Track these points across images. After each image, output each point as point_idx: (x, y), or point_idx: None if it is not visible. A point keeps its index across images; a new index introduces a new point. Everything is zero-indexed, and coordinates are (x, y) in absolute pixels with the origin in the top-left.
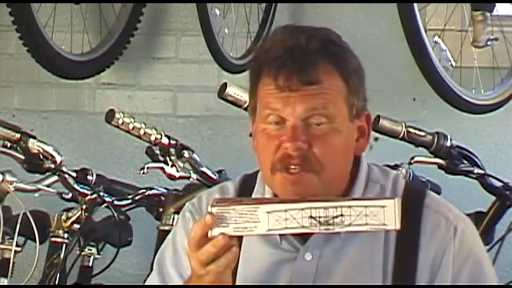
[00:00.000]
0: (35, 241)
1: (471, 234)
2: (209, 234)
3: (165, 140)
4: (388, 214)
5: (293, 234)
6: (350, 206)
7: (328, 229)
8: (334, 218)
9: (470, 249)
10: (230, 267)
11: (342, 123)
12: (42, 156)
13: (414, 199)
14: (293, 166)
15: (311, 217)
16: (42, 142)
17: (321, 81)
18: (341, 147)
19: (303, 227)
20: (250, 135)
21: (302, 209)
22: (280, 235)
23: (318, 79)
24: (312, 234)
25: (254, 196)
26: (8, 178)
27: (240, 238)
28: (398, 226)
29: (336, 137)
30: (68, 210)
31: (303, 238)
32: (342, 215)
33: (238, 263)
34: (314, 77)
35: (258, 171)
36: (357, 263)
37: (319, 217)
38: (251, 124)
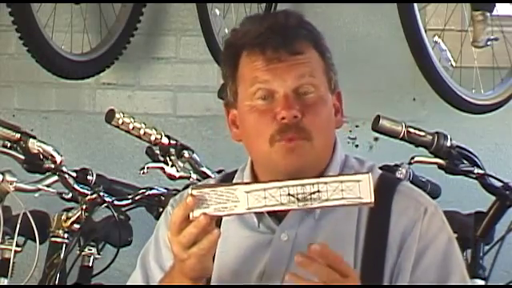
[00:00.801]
0: (35, 241)
1: (441, 218)
2: (190, 216)
3: (165, 140)
4: (363, 188)
5: (269, 215)
6: (326, 182)
7: (306, 204)
8: (311, 194)
9: (438, 230)
10: (211, 250)
11: (325, 93)
12: (42, 156)
13: (386, 185)
14: (290, 135)
15: (289, 194)
16: (42, 142)
17: (304, 52)
18: (327, 116)
19: (282, 204)
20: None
21: (280, 187)
22: (257, 217)
23: (302, 50)
24: (287, 213)
25: None
26: (8, 178)
27: (218, 223)
28: (373, 199)
29: (323, 106)
30: (68, 209)
31: (279, 218)
32: (318, 191)
33: (215, 249)
34: (299, 47)
35: (237, 170)
36: (330, 242)
37: (297, 193)
38: (226, 115)
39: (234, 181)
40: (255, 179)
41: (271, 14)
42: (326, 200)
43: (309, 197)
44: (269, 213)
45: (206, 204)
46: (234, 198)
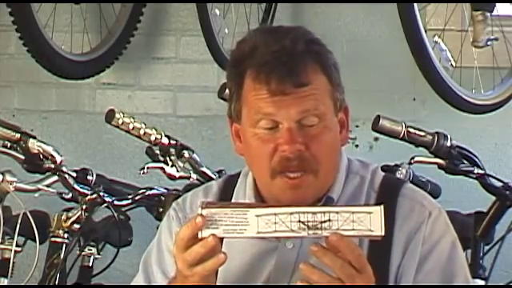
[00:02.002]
0: (35, 241)
1: (444, 221)
2: (199, 235)
3: (165, 140)
4: (374, 220)
5: None
6: (337, 212)
7: (316, 233)
8: (321, 222)
9: (442, 234)
10: (215, 271)
11: (330, 120)
12: (42, 156)
13: (390, 188)
14: (292, 170)
15: (300, 221)
16: (42, 142)
17: (310, 81)
18: (332, 143)
19: (292, 231)
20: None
21: (291, 213)
22: None
23: (308, 80)
24: None
25: (234, 195)
26: (8, 178)
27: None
28: (383, 232)
29: (328, 134)
30: (68, 210)
31: None
32: (329, 220)
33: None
34: (305, 78)
35: (240, 172)
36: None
37: (308, 221)
38: (230, 126)
39: (235, 192)
40: (258, 194)
41: (279, 35)
42: (337, 230)
43: (319, 225)
44: None
45: (216, 224)
46: (245, 221)
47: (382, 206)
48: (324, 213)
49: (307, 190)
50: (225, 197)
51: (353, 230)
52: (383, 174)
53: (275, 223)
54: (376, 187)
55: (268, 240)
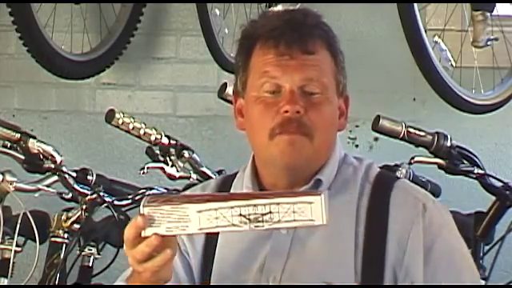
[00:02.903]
0: (35, 241)
1: (439, 212)
2: (142, 234)
3: (165, 140)
4: (315, 210)
5: None
6: (278, 203)
7: (258, 226)
8: (263, 215)
9: (440, 225)
10: (166, 265)
11: (332, 95)
12: (42, 156)
13: (384, 181)
14: (290, 131)
15: (241, 215)
16: (41, 142)
17: (317, 52)
18: (331, 117)
19: (233, 225)
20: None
21: (232, 207)
22: None
23: (315, 50)
24: None
25: (232, 189)
26: (8, 178)
27: None
28: (325, 221)
29: (328, 107)
30: (68, 210)
31: None
32: (270, 212)
33: (216, 243)
34: (312, 47)
35: (237, 172)
36: (329, 236)
37: (249, 214)
38: (234, 103)
39: (233, 186)
40: (255, 173)
41: (290, 10)
42: (278, 222)
43: (261, 218)
44: None
45: (157, 222)
46: (186, 218)
47: (323, 195)
48: (265, 205)
49: (302, 150)
50: (222, 191)
51: (294, 220)
52: (378, 169)
53: (216, 218)
54: (371, 180)
55: None
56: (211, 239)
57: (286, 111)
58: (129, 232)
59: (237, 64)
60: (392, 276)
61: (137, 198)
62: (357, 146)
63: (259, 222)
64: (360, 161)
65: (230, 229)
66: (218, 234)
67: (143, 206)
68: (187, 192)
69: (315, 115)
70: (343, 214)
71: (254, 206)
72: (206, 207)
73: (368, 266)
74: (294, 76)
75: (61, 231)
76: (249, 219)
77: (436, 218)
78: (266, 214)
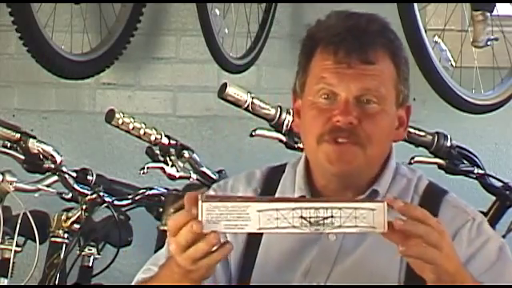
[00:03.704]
0: (35, 241)
1: (489, 228)
2: (202, 230)
3: (165, 140)
4: (377, 217)
5: None
6: (340, 208)
7: (318, 229)
8: (324, 218)
9: (489, 237)
10: (221, 260)
11: (389, 106)
12: (42, 156)
13: (434, 194)
14: (340, 139)
15: (302, 217)
16: (41, 142)
17: (377, 62)
18: (387, 128)
19: (294, 227)
20: (251, 135)
21: (293, 209)
22: None
23: (375, 60)
24: None
25: (280, 185)
26: (8, 178)
27: None
28: (386, 229)
29: (384, 118)
30: (68, 210)
31: None
32: (332, 216)
33: (259, 241)
34: (372, 57)
35: (285, 164)
36: (377, 246)
37: (310, 217)
38: (293, 103)
39: (284, 177)
40: (308, 174)
41: (356, 15)
42: (339, 227)
43: (322, 221)
44: None
45: (216, 219)
46: (246, 216)
47: (385, 203)
48: (326, 209)
49: (352, 160)
50: (269, 185)
51: (356, 226)
52: (427, 181)
53: (277, 219)
54: (420, 192)
55: None
56: (254, 237)
57: (338, 121)
58: (179, 219)
59: (299, 63)
60: None
61: (137, 197)
62: None
63: (320, 225)
64: (412, 172)
65: (289, 230)
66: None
67: (202, 201)
68: (231, 178)
69: (370, 126)
70: None
71: (316, 209)
72: (267, 207)
73: (411, 282)
74: (351, 85)
75: (61, 231)
76: (309, 222)
77: (485, 230)
78: (327, 218)
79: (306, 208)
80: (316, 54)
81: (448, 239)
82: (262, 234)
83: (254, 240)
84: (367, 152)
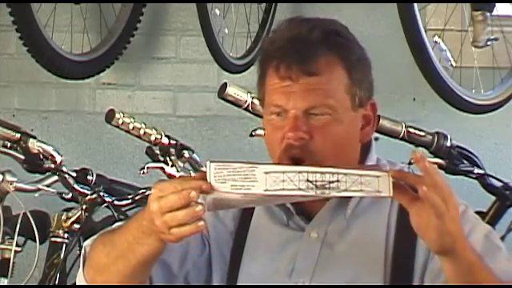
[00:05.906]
0: (35, 241)
1: (473, 215)
2: (210, 185)
3: (165, 140)
4: (382, 183)
5: (298, 213)
6: (346, 174)
7: (324, 193)
8: (330, 182)
9: (473, 226)
10: (188, 236)
11: (343, 114)
12: (42, 156)
13: None
14: (296, 155)
15: (308, 180)
16: (41, 142)
17: (321, 72)
18: (342, 137)
19: (300, 189)
20: (251, 135)
21: (300, 172)
22: (286, 215)
23: (318, 70)
24: (317, 212)
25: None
26: (8, 178)
27: (249, 218)
28: (391, 193)
29: (336, 127)
30: (68, 209)
31: (308, 217)
32: (338, 181)
33: (244, 242)
34: (314, 68)
35: None
36: (360, 243)
37: (316, 181)
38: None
39: None
40: None
41: (301, 23)
42: (345, 190)
43: (328, 185)
44: (297, 212)
45: (223, 179)
46: (253, 177)
47: (390, 173)
48: (333, 173)
49: None
50: None
51: (361, 191)
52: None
53: (283, 181)
54: None
55: (292, 229)
56: (240, 237)
57: (289, 138)
58: (171, 197)
59: (258, 78)
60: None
61: (137, 197)
62: None
63: (326, 188)
64: (393, 165)
65: (295, 193)
66: (247, 232)
67: (210, 162)
68: None
69: (321, 139)
70: (374, 222)
71: (322, 173)
72: (274, 169)
73: (397, 275)
74: (297, 103)
75: (61, 231)
76: (315, 185)
77: (467, 219)
78: (333, 182)
79: (313, 172)
80: (267, 69)
81: (455, 203)
82: (247, 234)
83: (239, 239)
84: (324, 164)
